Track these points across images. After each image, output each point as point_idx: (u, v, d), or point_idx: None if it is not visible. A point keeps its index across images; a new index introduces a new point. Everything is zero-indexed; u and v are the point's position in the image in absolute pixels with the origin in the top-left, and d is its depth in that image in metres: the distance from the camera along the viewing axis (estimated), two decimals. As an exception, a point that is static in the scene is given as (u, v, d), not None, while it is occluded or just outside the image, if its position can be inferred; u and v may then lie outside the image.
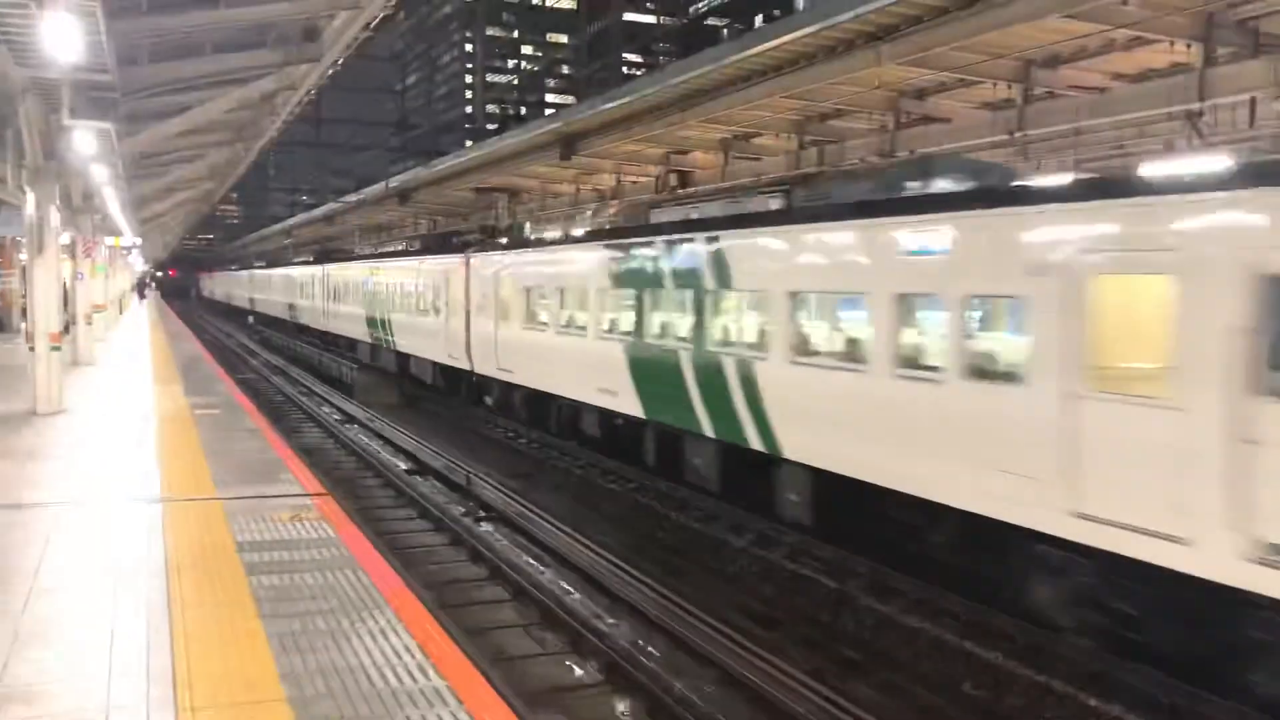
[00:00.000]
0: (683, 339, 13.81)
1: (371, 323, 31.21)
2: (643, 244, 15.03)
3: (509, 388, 20.49)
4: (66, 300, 24.89)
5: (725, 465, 13.35)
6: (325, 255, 45.34)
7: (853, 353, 10.92)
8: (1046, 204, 8.60)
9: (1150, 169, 11.26)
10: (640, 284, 14.91)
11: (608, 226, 23.48)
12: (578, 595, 11.09)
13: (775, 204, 12.87)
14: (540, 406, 19.23)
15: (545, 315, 18.35)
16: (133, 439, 13.76)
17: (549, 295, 18.25)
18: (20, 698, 5.58)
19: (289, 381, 33.00)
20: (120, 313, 52.37)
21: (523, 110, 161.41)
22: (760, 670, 8.73)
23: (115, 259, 43.17)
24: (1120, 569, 7.86)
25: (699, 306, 13.40)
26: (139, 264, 73.90)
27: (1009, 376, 8.94)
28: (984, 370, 9.21)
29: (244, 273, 73.60)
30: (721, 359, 12.78)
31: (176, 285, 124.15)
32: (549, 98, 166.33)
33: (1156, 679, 8.19)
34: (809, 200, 12.31)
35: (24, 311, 24.40)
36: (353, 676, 5.88)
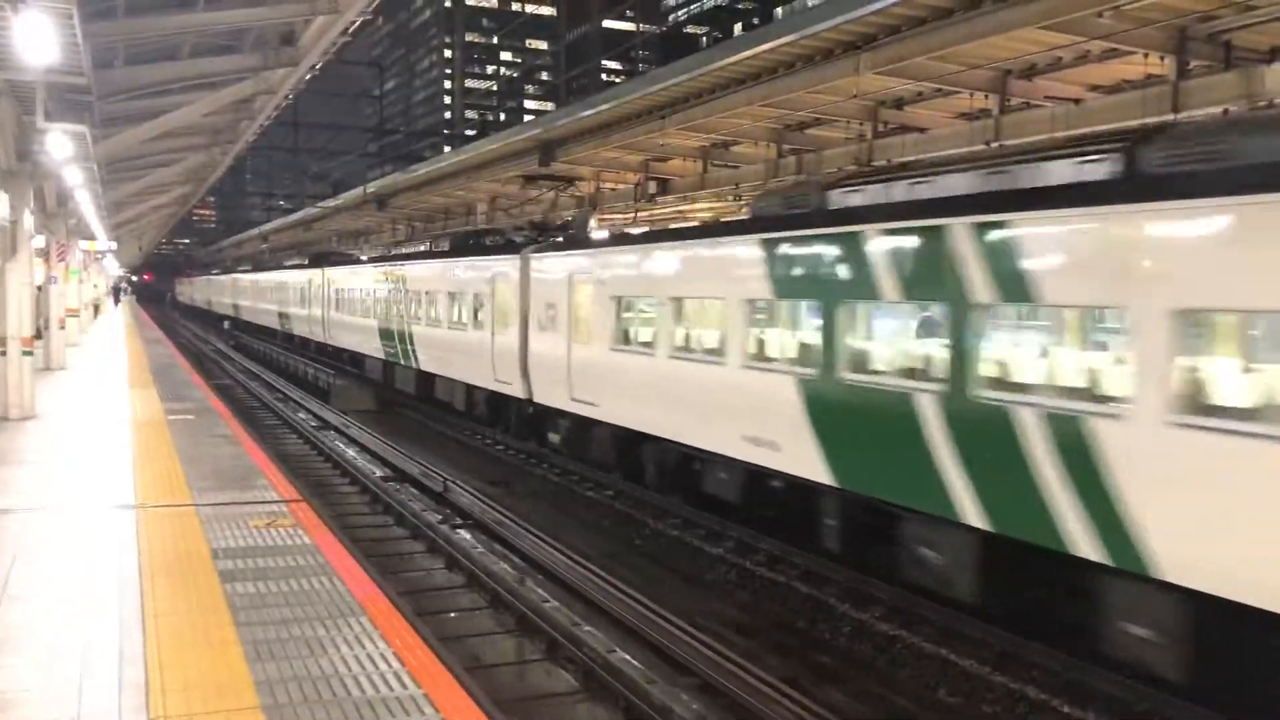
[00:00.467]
0: (926, 376, 9.60)
1: (387, 336, 26.96)
2: (837, 237, 10.63)
3: (586, 424, 16.05)
4: (39, 304, 24.67)
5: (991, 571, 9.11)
6: (323, 258, 39.77)
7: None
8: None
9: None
10: (834, 293, 10.60)
11: (737, 218, 19.22)
12: (555, 603, 11.06)
13: (1099, 170, 8.54)
14: (631, 450, 14.98)
15: (651, 333, 14.25)
16: (106, 444, 13.65)
17: (658, 307, 14.00)
18: (-10, 706, 5.52)
19: (265, 387, 32.80)
20: (96, 316, 51.96)
21: (502, 116, 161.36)
22: (737, 678, 8.73)
23: (89, 263, 42.79)
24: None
25: (959, 328, 8.99)
26: (114, 268, 73.30)
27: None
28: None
29: (226, 277, 68.43)
30: (1013, 411, 8.45)
31: (152, 290, 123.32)
32: (528, 104, 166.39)
33: (1131, 686, 8.24)
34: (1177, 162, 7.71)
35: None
36: (328, 684, 5.85)
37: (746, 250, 12.09)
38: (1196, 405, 7.10)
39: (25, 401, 15.95)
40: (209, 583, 7.68)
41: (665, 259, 14.06)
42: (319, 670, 6.05)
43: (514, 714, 8.13)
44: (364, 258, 38.79)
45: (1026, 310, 9.14)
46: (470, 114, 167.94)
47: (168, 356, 30.38)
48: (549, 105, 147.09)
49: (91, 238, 36.36)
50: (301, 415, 25.98)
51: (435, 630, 9.03)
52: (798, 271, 11.35)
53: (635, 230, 18.99)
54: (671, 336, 13.59)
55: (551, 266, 17.19)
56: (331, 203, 45.73)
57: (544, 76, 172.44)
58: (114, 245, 48.17)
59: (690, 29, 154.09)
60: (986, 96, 14.80)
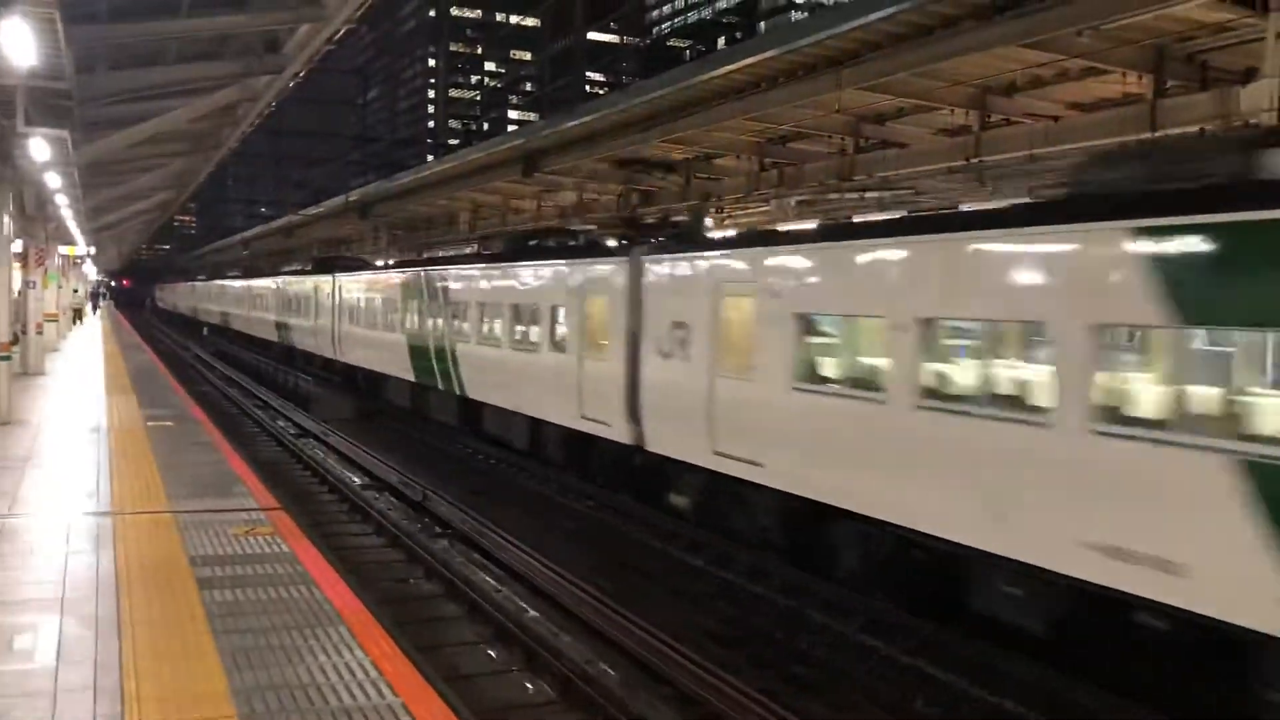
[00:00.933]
0: None
1: (420, 355, 22.93)
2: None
3: (735, 487, 12.19)
4: (17, 309, 24.52)
5: None
6: (333, 262, 34.93)
7: None
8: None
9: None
10: None
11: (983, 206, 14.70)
12: (534, 613, 11.05)
13: None
14: (811, 528, 11.30)
15: (874, 368, 10.28)
16: (84, 451, 13.57)
17: (894, 331, 9.75)
18: (-36, 714, 5.49)
19: (244, 394, 32.64)
20: (79, 322, 51.63)
21: (485, 126, 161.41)
22: (715, 689, 8.74)
23: (68, 268, 42.54)
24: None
25: None
26: (92, 273, 72.84)
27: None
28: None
29: (214, 283, 63.70)
30: None
31: (131, 296, 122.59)
32: (511, 114, 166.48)
33: (1108, 701, 8.30)
34: None
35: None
36: (305, 693, 5.84)
37: (1130, 245, 7.68)
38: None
39: (2, 407, 15.84)
40: (187, 591, 7.65)
41: (911, 260, 9.89)
42: (296, 679, 6.03)
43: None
44: (387, 261, 34.21)
45: None
46: (454, 123, 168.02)
47: (147, 363, 30.21)
48: (532, 116, 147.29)
49: (71, 242, 36.19)
50: (281, 423, 25.87)
51: (413, 639, 9.01)
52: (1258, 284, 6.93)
53: (788, 225, 15.87)
54: (919, 376, 9.47)
55: (682, 272, 13.38)
56: (313, 210, 45.63)
57: (528, 87, 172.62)
58: (93, 250, 47.92)
59: (674, 42, 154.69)
60: (967, 113, 14.93)
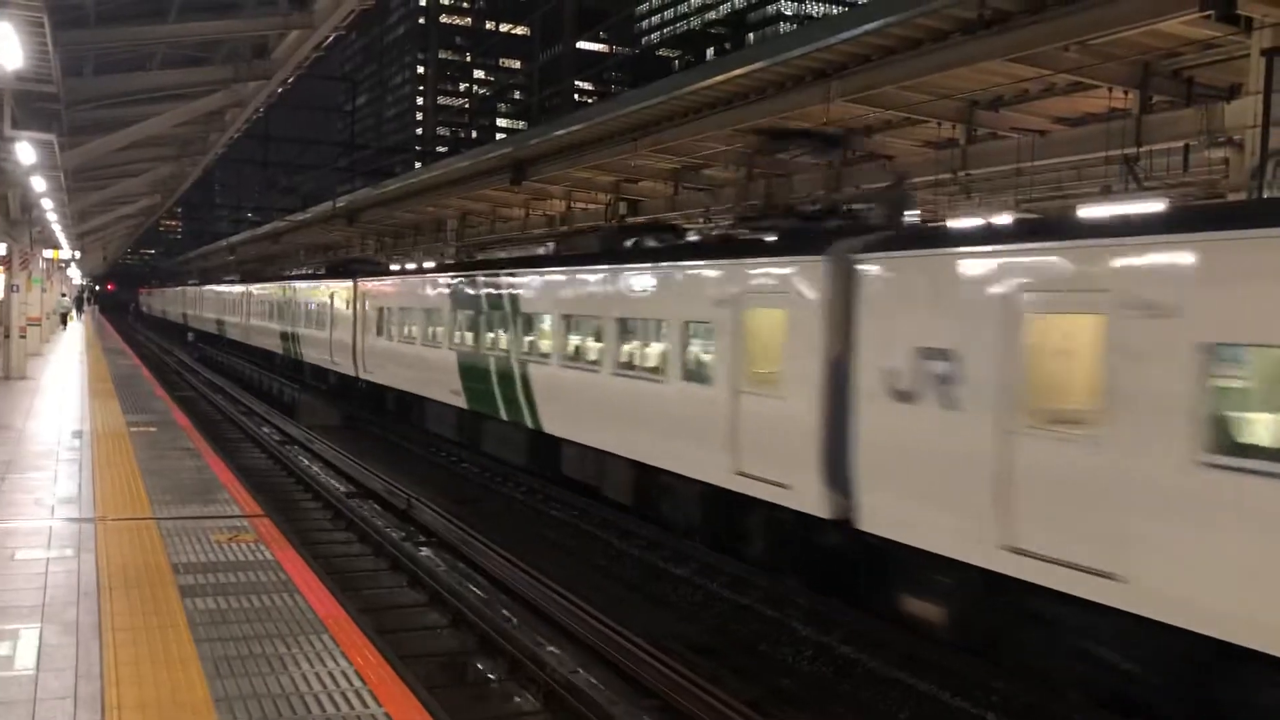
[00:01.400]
0: None
1: (475, 378, 18.74)
2: None
3: (1058, 610, 8.14)
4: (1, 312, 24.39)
5: None
6: (348, 266, 30.81)
7: None
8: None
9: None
10: None
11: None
12: (518, 622, 11.02)
13: None
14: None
15: None
16: (66, 455, 13.49)
17: None
18: (-58, 721, 5.44)
19: (228, 400, 32.51)
20: (64, 326, 51.39)
21: (473, 134, 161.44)
22: (699, 700, 8.73)
23: (53, 272, 42.33)
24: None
25: None
26: (77, 277, 72.50)
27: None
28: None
29: (207, 289, 58.45)
30: None
31: (115, 300, 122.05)
32: (500, 122, 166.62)
33: (1093, 713, 8.32)
34: None
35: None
36: (288, 702, 5.81)
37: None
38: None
39: (-17, 411, 15.72)
40: (169, 598, 7.60)
41: None
42: (279, 688, 6.00)
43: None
44: (428, 264, 30.53)
45: None
46: (442, 131, 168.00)
47: (130, 368, 30.06)
48: (521, 124, 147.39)
49: (56, 246, 36.03)
50: (266, 429, 25.77)
51: (397, 648, 8.98)
52: None
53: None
54: None
55: (942, 276, 9.28)
56: (300, 216, 45.55)
57: (517, 96, 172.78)
58: (78, 254, 47.69)
59: (663, 52, 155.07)
60: (954, 127, 15.04)
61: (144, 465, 13.08)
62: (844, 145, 15.91)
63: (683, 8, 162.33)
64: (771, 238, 12.43)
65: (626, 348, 14.27)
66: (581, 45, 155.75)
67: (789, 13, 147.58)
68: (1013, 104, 14.37)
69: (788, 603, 11.47)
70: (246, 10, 15.79)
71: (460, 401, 19.63)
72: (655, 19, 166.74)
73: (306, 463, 21.10)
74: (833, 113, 14.68)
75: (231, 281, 51.17)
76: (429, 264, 30.05)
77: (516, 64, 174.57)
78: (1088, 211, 11.48)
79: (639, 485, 14.18)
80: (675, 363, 12.84)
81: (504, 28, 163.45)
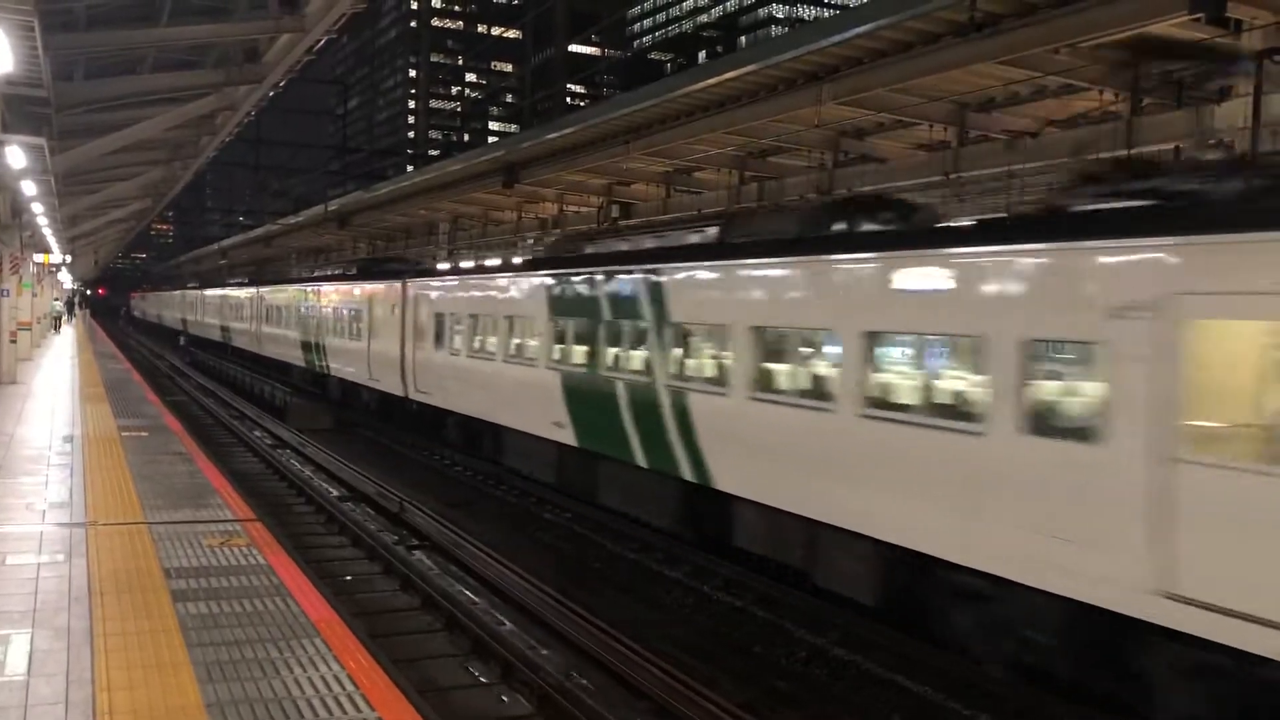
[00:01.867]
0: None
1: (594, 407, 14.46)
2: None
3: None
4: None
5: None
6: (393, 265, 27.02)
7: None
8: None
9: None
10: None
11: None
12: (511, 625, 11.01)
13: None
14: None
15: None
16: (57, 460, 13.44)
17: None
18: (-68, 727, 5.42)
19: (220, 404, 32.44)
20: (57, 331, 51.25)
21: (465, 137, 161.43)
22: (693, 702, 8.73)
23: (43, 276, 42.20)
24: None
25: None
26: (68, 282, 72.32)
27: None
28: None
29: (210, 293, 53.81)
30: None
31: (106, 304, 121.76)
32: (492, 125, 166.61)
33: (1084, 715, 8.33)
34: None
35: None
36: (280, 707, 5.79)
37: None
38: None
39: (-26, 416, 15.67)
40: (161, 603, 7.58)
41: None
42: (272, 693, 5.98)
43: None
44: (505, 259, 24.85)
45: None
46: (434, 134, 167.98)
47: (122, 372, 29.99)
48: (513, 127, 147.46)
49: (47, 250, 35.95)
50: (257, 433, 25.71)
51: (390, 652, 8.96)
52: None
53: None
54: None
55: None
56: (292, 220, 45.49)
57: (509, 99, 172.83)
58: (68, 258, 47.60)
59: (655, 55, 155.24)
60: (945, 129, 15.06)
61: (135, 470, 13.04)
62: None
63: (675, 11, 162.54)
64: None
65: (883, 378, 9.89)
66: (573, 48, 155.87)
67: (780, 15, 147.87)
68: (1004, 106, 14.41)
69: (782, 605, 11.47)
70: (237, 14, 15.78)
71: (565, 436, 15.12)
72: (647, 22, 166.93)
73: (298, 466, 21.05)
74: (824, 115, 14.72)
75: (240, 284, 46.37)
76: (511, 258, 24.02)
77: (508, 67, 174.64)
78: None
79: (898, 582, 9.81)
80: (1005, 403, 8.30)
81: (496, 31, 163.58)
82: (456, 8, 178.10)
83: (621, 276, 13.99)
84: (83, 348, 40.87)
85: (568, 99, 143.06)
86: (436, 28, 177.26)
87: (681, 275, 12.73)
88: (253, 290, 40.44)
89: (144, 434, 16.41)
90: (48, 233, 31.49)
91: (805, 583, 11.29)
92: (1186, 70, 11.75)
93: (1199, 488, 6.77)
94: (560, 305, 15.54)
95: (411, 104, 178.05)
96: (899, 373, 9.88)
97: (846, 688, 9.73)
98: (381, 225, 37.79)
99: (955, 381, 9.28)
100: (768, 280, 11.45)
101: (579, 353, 14.96)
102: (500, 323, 17.56)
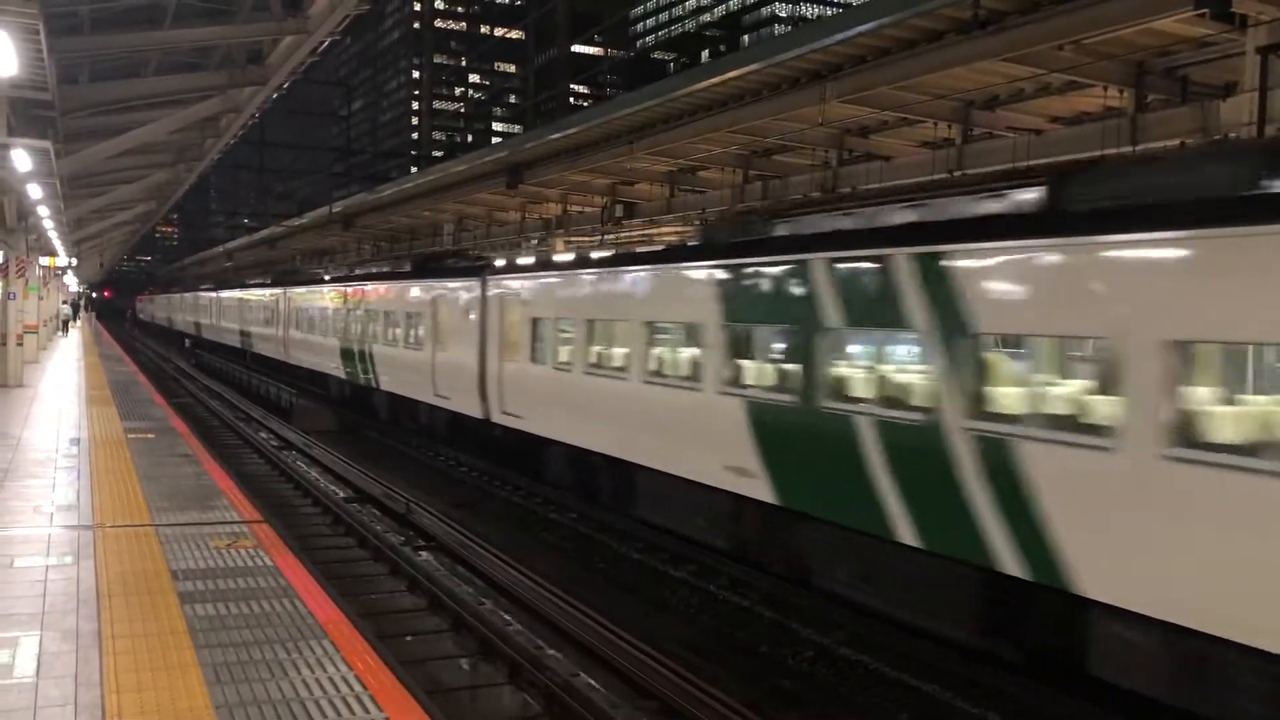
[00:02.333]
0: None
1: (817, 450, 10.50)
2: None
3: None
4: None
5: None
6: (463, 261, 23.33)
7: None
8: None
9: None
10: None
11: None
12: (517, 626, 11.01)
13: None
14: None
15: None
16: (63, 463, 13.47)
17: None
18: (-58, 730, 5.43)
19: (226, 406, 32.49)
20: (65, 333, 51.34)
21: (469, 138, 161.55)
22: (699, 701, 8.73)
23: (49, 279, 42.27)
24: None
25: None
26: (73, 285, 72.47)
27: None
28: None
29: (225, 294, 49.67)
30: None
31: (111, 307, 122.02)
32: (496, 126, 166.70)
33: (1092, 714, 8.32)
34: None
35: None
36: (289, 708, 5.80)
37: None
38: None
39: (-19, 419, 15.71)
40: (168, 604, 7.59)
41: None
42: (280, 694, 5.99)
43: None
44: (634, 251, 20.26)
45: None
46: (438, 135, 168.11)
47: (128, 374, 30.03)
48: (517, 128, 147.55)
49: (52, 253, 36.02)
50: (263, 435, 25.74)
51: (397, 653, 8.97)
52: None
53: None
54: None
55: None
56: (297, 221, 45.56)
57: (512, 99, 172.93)
58: (74, 261, 47.67)
59: (658, 55, 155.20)
60: (950, 126, 15.05)
61: (142, 472, 13.06)
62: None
63: (677, 10, 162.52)
64: None
65: None
66: (576, 48, 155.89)
67: (783, 14, 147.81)
68: (1008, 103, 14.39)
69: (788, 604, 11.46)
70: (241, 16, 15.81)
71: (755, 489, 11.17)
72: (650, 21, 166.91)
73: (304, 468, 21.07)
74: (828, 113, 14.71)
75: (262, 284, 42.08)
76: (641, 249, 19.82)
77: (511, 68, 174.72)
78: None
79: None
80: None
81: (498, 32, 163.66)
82: (459, 9, 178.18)
83: (865, 265, 9.91)
84: (88, 350, 40.95)
85: (571, 99, 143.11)
86: (439, 29, 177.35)
87: (994, 261, 8.60)
88: (279, 291, 36.54)
89: (150, 436, 16.43)
90: (53, 236, 31.56)
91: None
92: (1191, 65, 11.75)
93: None
94: (746, 307, 11.60)
95: (415, 105, 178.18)
96: None
97: (852, 687, 9.72)
98: (385, 226, 37.83)
99: None
100: (1198, 266, 7.04)
101: (784, 374, 10.97)
102: (636, 330, 13.58)
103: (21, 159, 15.28)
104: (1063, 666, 8.43)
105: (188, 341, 63.86)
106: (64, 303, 54.08)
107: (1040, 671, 8.62)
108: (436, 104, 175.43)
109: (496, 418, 17.90)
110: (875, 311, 9.79)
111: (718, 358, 11.87)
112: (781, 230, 11.70)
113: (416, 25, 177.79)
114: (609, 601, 11.96)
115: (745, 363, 11.65)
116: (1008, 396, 8.53)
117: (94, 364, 33.10)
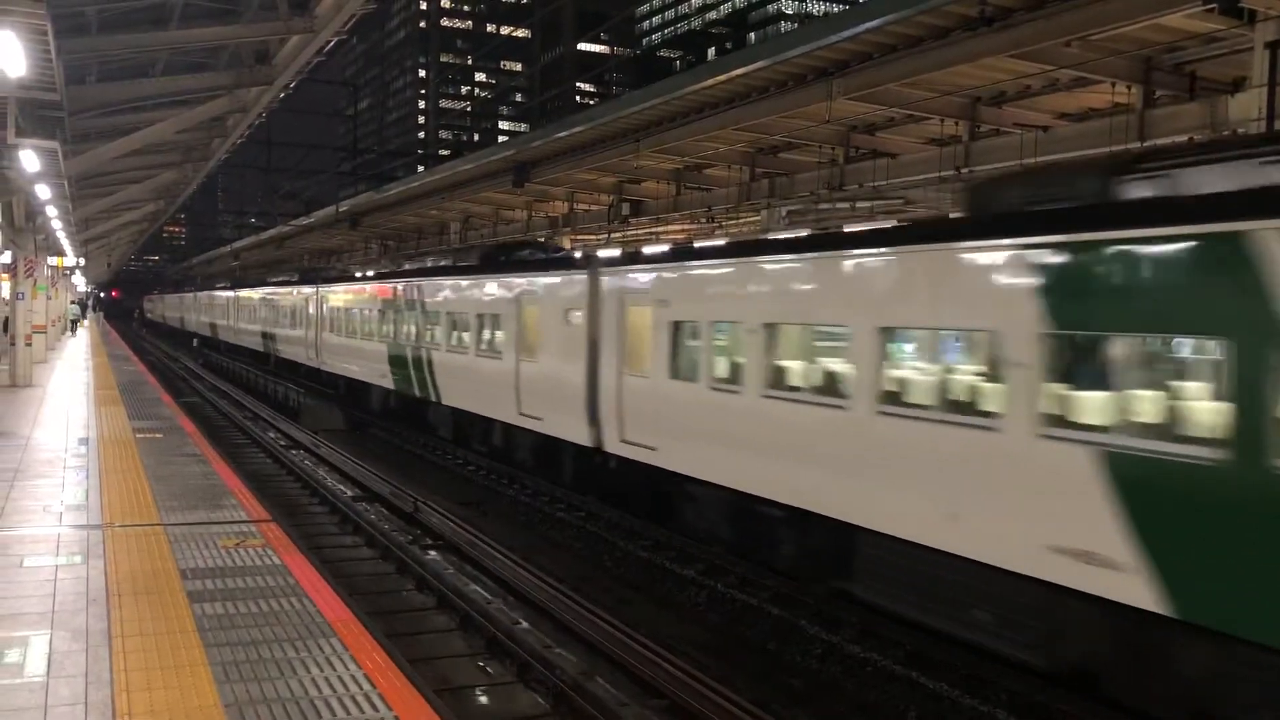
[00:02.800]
0: None
1: None
2: None
3: None
4: (6, 322, 24.45)
5: None
6: (555, 251, 20.20)
7: None
8: None
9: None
10: None
11: None
12: (526, 624, 11.02)
13: None
14: None
15: None
16: (72, 463, 13.51)
17: None
18: (-47, 729, 5.45)
19: (234, 405, 32.55)
20: (73, 334, 51.45)
21: (475, 137, 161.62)
22: (707, 700, 8.73)
23: (57, 279, 42.37)
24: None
25: None
26: (81, 285, 72.66)
27: None
28: None
29: (245, 294, 45.56)
30: None
31: (119, 307, 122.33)
32: (502, 125, 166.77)
33: (1098, 711, 8.30)
34: None
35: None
36: (298, 707, 5.81)
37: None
38: None
39: (-10, 419, 15.76)
40: (177, 603, 7.61)
41: None
42: (289, 692, 6.00)
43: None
44: (844, 228, 14.59)
45: None
46: (444, 134, 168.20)
47: (136, 374, 30.09)
48: (523, 126, 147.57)
49: (61, 253, 36.12)
50: (271, 434, 25.79)
51: (406, 652, 8.98)
52: None
53: None
54: None
55: None
56: (304, 221, 45.61)
57: (518, 98, 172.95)
58: (82, 261, 47.80)
59: (664, 53, 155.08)
60: (957, 123, 15.02)
61: (150, 471, 13.09)
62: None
63: (683, 8, 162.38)
64: None
65: None
66: (582, 47, 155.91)
67: (790, 11, 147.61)
68: (1015, 100, 14.35)
69: (796, 602, 11.45)
70: (248, 16, 15.82)
71: (1120, 585, 7.40)
72: (656, 19, 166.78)
73: (312, 467, 21.10)
74: (835, 110, 14.68)
75: (288, 281, 37.41)
76: (852, 230, 12.57)
77: (518, 66, 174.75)
78: None
79: None
80: None
81: (505, 30, 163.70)
82: (465, 8, 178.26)
83: None
84: (97, 350, 41.04)
85: (577, 98, 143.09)
86: (445, 28, 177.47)
87: None
88: (310, 290, 32.47)
89: (158, 436, 16.47)
90: (61, 236, 31.64)
91: None
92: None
93: None
94: (1103, 307, 7.65)
95: (421, 104, 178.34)
96: None
97: (861, 685, 9.72)
98: (392, 226, 37.89)
99: None
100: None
101: (1193, 414, 7.30)
102: (864, 340, 9.82)
103: (30, 159, 15.32)
104: None
105: (195, 341, 63.93)
106: (72, 302, 54.20)
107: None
108: (443, 103, 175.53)
109: (612, 446, 14.37)
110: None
111: (1031, 386, 8.09)
112: (1189, 177, 7.47)
113: (423, 24, 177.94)
114: (617, 600, 11.98)
115: (1098, 394, 7.79)
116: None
117: (102, 364, 33.17)
